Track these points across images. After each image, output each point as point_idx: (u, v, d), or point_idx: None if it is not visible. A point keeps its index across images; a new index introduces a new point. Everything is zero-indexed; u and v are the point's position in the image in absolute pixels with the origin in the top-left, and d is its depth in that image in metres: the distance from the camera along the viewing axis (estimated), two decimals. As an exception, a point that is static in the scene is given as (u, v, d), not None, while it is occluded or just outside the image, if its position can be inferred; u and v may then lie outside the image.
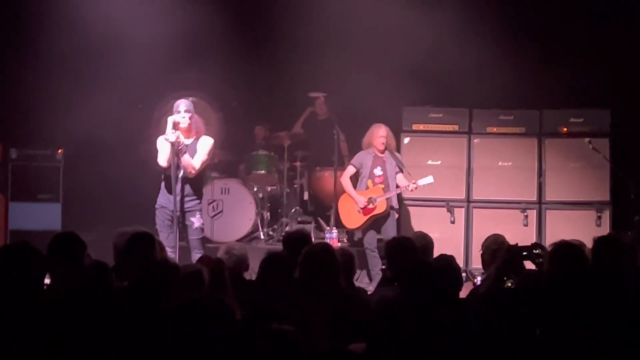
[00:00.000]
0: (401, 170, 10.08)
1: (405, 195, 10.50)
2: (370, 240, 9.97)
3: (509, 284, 5.48)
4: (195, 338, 4.09)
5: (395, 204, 10.08)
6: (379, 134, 10.06)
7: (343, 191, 11.07)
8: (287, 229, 11.02)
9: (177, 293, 4.84)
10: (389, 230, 9.91)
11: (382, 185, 10.01)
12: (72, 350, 4.32)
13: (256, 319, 4.65)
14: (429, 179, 9.95)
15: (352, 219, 10.17)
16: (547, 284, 4.91)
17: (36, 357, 4.12)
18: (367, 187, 10.07)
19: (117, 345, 4.43)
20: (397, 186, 10.01)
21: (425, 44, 10.87)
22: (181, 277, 5.15)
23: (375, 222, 10.02)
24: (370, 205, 9.96)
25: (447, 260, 5.21)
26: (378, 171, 10.05)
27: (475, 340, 4.14)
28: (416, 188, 9.99)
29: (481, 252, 6.59)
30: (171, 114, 8.39)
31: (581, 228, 10.50)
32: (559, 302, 4.74)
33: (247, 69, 11.86)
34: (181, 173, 8.27)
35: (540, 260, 5.77)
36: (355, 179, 10.24)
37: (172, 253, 8.06)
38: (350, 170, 10.21)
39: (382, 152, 10.07)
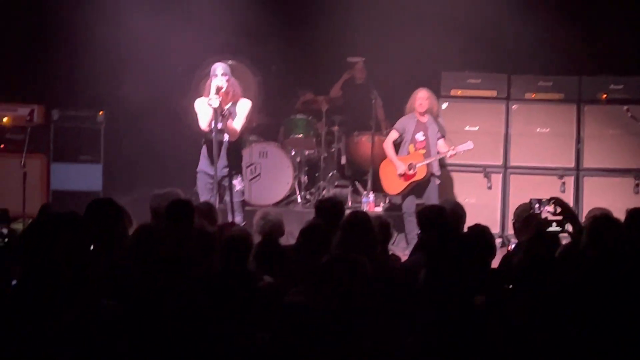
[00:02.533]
0: (443, 136, 10.06)
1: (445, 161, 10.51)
2: (409, 205, 9.99)
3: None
4: (227, 306, 4.19)
5: (436, 170, 10.07)
6: (419, 96, 10.03)
7: (380, 156, 11.12)
8: (324, 193, 11.09)
9: (213, 260, 4.94)
10: (430, 197, 9.91)
11: (424, 151, 9.99)
12: (116, 315, 4.42)
13: (286, 288, 4.71)
14: (469, 145, 9.94)
15: (393, 184, 10.19)
16: (585, 259, 4.93)
17: (83, 323, 4.22)
18: (409, 153, 10.07)
19: (156, 311, 4.53)
20: (438, 152, 10.00)
21: (464, 8, 10.84)
22: (226, 240, 5.24)
23: (416, 188, 10.04)
24: (411, 171, 9.97)
25: (480, 230, 5.25)
26: (420, 136, 10.04)
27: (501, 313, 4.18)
28: (455, 154, 9.98)
29: (513, 220, 6.60)
30: (209, 77, 8.46)
31: (619, 195, 10.49)
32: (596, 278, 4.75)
33: (286, 32, 11.89)
34: (226, 138, 8.35)
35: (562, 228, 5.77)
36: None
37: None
38: (393, 135, 10.20)
39: (424, 116, 10.05)
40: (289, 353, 3.73)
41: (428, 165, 9.94)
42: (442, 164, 10.41)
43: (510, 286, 4.74)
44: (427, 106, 10.00)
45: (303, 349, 3.70)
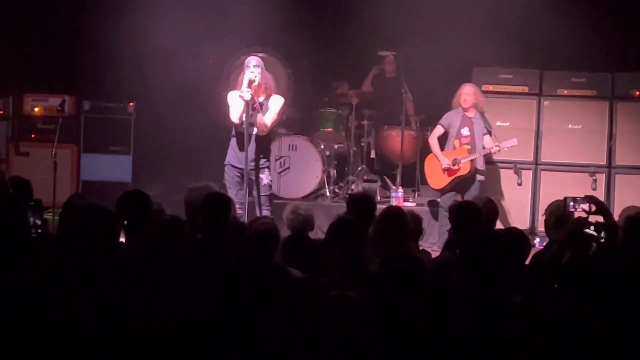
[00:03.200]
0: (489, 132, 9.99)
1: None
2: (447, 200, 9.92)
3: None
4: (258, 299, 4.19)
5: (480, 165, 10.00)
6: (464, 91, 9.97)
7: (409, 150, 11.13)
8: (353, 187, 11.07)
9: (244, 252, 4.94)
10: (472, 193, 9.79)
11: (468, 147, 9.93)
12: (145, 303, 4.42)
13: (316, 281, 4.70)
14: (513, 142, 9.86)
15: (437, 179, 10.13)
16: (621, 258, 4.89)
17: (113, 311, 4.23)
18: (454, 148, 10.02)
19: (187, 300, 4.53)
20: (483, 147, 9.94)
21: (497, 3, 10.76)
22: (253, 235, 5.24)
23: (460, 184, 9.99)
24: (455, 166, 9.92)
25: (518, 234, 5.22)
26: (465, 131, 9.98)
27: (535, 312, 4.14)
28: (500, 150, 9.92)
29: (545, 217, 6.55)
30: (241, 70, 8.47)
31: (651, 193, 10.41)
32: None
33: (318, 25, 11.88)
34: (255, 131, 8.36)
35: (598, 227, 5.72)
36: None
37: (240, 210, 8.17)
38: (438, 130, 10.14)
39: (469, 111, 9.99)
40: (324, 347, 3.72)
41: (472, 160, 9.88)
42: (488, 160, 10.33)
43: (555, 285, 4.68)
44: (472, 102, 9.93)
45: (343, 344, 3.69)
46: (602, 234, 5.56)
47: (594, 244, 5.39)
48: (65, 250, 4.66)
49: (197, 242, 5.54)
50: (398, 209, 5.89)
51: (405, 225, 5.58)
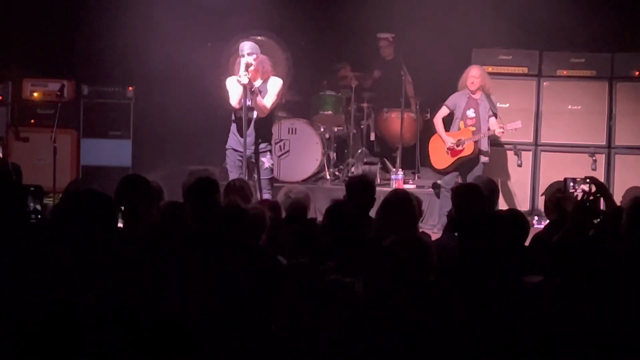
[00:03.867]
0: (495, 114, 9.98)
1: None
2: (449, 181, 9.93)
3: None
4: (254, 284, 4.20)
5: (484, 147, 10.00)
6: (471, 74, 9.96)
7: (409, 132, 11.13)
8: (353, 169, 11.08)
9: (239, 236, 4.94)
10: (475, 175, 9.70)
11: (473, 128, 9.93)
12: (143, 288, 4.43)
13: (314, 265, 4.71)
14: (517, 124, 9.87)
15: (441, 159, 10.13)
16: (625, 241, 4.89)
17: (112, 296, 4.24)
18: (459, 129, 10.02)
19: (185, 284, 4.54)
20: (488, 129, 9.93)
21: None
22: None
23: (463, 165, 9.98)
24: (459, 147, 9.92)
25: (516, 216, 5.23)
26: (471, 113, 9.96)
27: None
28: (504, 132, 9.92)
29: (545, 198, 6.54)
30: (238, 55, 8.46)
31: (651, 173, 10.41)
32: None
33: (316, 8, 11.84)
34: (254, 115, 8.36)
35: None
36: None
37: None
38: (444, 111, 10.12)
39: (476, 93, 9.98)
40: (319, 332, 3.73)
41: (476, 142, 9.88)
42: (492, 142, 10.31)
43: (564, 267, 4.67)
44: (479, 84, 9.92)
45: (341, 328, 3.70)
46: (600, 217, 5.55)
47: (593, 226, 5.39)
48: (61, 236, 4.67)
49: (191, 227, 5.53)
50: (405, 192, 5.90)
51: (412, 208, 5.59)
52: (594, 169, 10.56)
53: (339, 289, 3.60)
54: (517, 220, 5.17)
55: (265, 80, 8.44)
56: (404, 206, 5.59)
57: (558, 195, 6.16)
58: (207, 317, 4.28)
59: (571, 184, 5.97)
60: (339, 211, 5.16)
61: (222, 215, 5.14)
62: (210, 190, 5.91)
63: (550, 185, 6.58)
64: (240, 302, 4.37)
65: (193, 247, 4.92)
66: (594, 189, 5.72)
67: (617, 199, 6.96)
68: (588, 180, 5.90)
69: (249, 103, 8.27)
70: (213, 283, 4.54)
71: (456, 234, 5.52)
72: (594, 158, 10.69)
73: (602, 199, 5.97)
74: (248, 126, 8.31)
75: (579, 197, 5.43)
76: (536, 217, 10.30)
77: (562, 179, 6.26)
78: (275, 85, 8.47)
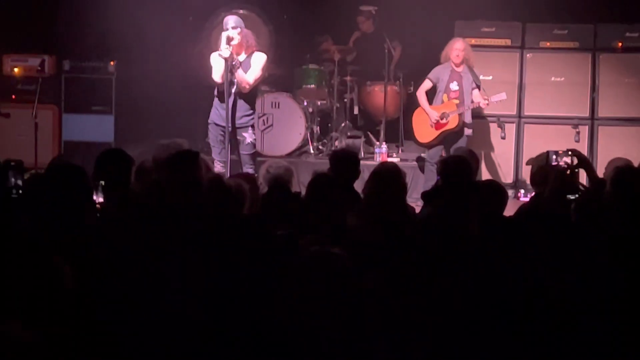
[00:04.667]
0: (478, 87, 9.97)
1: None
2: (433, 154, 9.92)
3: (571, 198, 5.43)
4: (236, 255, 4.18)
5: (468, 119, 9.99)
6: (455, 46, 9.94)
7: (393, 106, 11.12)
8: (336, 143, 11.05)
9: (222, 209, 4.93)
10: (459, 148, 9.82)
11: (457, 101, 9.91)
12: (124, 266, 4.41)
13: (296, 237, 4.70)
14: (502, 96, 9.86)
15: (425, 133, 10.11)
16: (610, 210, 4.90)
17: (91, 275, 4.21)
18: (442, 102, 10.00)
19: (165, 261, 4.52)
20: (472, 102, 9.92)
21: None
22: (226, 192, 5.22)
23: (447, 138, 9.97)
24: (443, 120, 9.91)
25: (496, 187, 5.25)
26: (454, 86, 9.95)
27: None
28: (488, 104, 9.92)
29: (531, 170, 6.55)
30: (221, 29, 8.42)
31: (634, 144, 10.44)
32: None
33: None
34: (234, 89, 8.34)
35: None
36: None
37: (223, 168, 8.18)
38: (427, 84, 10.10)
39: (459, 66, 9.96)
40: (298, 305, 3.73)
41: (460, 115, 9.86)
42: (476, 114, 10.30)
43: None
44: (463, 57, 9.91)
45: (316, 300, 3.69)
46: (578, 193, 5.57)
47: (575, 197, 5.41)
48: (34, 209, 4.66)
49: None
50: (393, 164, 5.93)
51: (401, 180, 5.61)
52: (577, 141, 10.60)
53: (324, 259, 3.58)
54: (493, 189, 5.19)
55: (249, 55, 8.41)
56: (393, 178, 5.61)
57: (542, 165, 6.18)
58: (187, 292, 4.26)
59: (554, 156, 5.99)
60: (321, 183, 5.15)
61: (206, 188, 5.12)
62: (194, 163, 5.88)
63: (535, 157, 6.60)
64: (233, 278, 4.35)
65: (175, 221, 4.90)
66: (576, 161, 5.75)
67: (601, 170, 7.00)
68: (570, 152, 5.92)
69: (230, 77, 8.24)
70: (199, 256, 4.52)
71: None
72: (577, 130, 10.72)
73: (584, 172, 6.00)
74: (230, 101, 8.28)
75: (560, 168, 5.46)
76: (522, 190, 10.34)
77: (545, 151, 6.29)
78: (259, 60, 8.44)
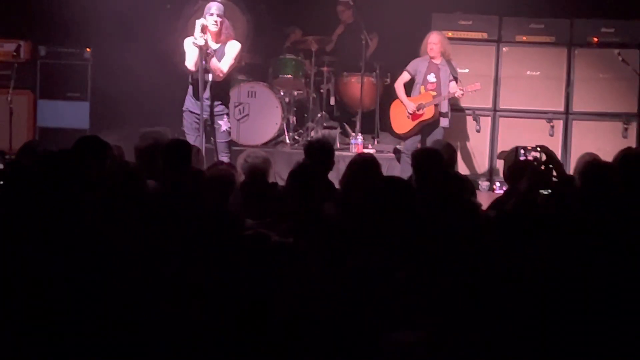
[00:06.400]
0: (455, 79, 10.00)
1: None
2: (410, 146, 9.93)
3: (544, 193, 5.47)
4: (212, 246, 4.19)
5: (444, 109, 9.99)
6: (430, 40, 9.97)
7: (369, 97, 11.13)
8: (312, 134, 11.06)
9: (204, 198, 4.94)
10: (435, 138, 9.74)
11: (434, 93, 9.93)
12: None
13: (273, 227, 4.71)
14: (477, 86, 9.88)
15: (402, 124, 10.13)
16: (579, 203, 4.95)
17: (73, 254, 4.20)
18: (420, 93, 10.03)
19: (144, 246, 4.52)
20: (448, 92, 9.95)
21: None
22: (210, 179, 5.24)
23: (424, 129, 9.99)
24: (419, 111, 9.94)
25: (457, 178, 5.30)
26: (431, 78, 9.97)
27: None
28: (463, 94, 9.95)
29: (505, 165, 6.59)
30: (200, 15, 8.40)
31: (608, 139, 10.51)
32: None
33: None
34: (209, 77, 8.33)
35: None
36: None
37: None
38: (405, 76, 10.11)
39: (436, 59, 9.99)
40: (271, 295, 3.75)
41: (437, 105, 9.89)
42: (453, 107, 10.32)
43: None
44: (439, 50, 9.93)
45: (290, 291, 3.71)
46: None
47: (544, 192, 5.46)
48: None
49: (155, 189, 5.50)
50: (371, 156, 5.97)
51: (378, 172, 5.65)
52: (552, 135, 10.66)
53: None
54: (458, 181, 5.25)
55: (223, 44, 8.39)
56: (371, 167, 5.64)
57: (517, 161, 6.22)
58: (171, 279, 4.26)
59: (522, 151, 6.03)
60: (303, 173, 5.17)
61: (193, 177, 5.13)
62: (186, 154, 5.90)
63: (506, 153, 6.63)
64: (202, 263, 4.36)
65: (159, 208, 4.90)
66: (544, 157, 5.79)
67: (575, 164, 7.04)
68: (538, 148, 5.96)
69: (205, 65, 8.23)
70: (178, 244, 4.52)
71: None
72: (551, 124, 10.78)
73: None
74: (204, 89, 8.27)
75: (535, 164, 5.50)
76: (498, 183, 10.40)
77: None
78: (233, 48, 8.43)
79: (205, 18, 8.26)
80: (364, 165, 5.72)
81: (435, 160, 6.11)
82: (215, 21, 8.26)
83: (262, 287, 3.85)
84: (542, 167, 5.56)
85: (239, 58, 8.64)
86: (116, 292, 4.08)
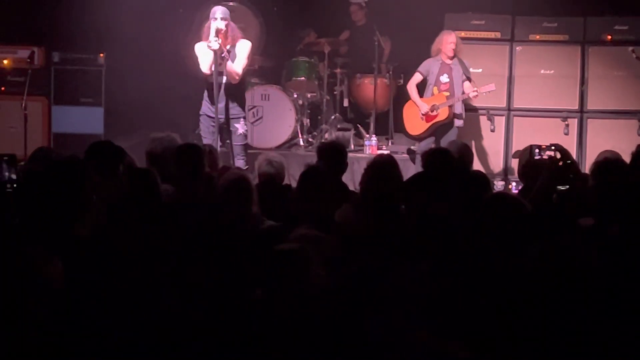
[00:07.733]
0: (468, 78, 9.99)
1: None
2: (424, 146, 9.87)
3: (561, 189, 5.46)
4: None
5: (458, 110, 10.00)
6: (449, 40, 9.96)
7: (383, 98, 11.12)
8: (326, 136, 11.06)
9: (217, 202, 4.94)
10: (449, 139, 9.69)
11: (447, 93, 9.93)
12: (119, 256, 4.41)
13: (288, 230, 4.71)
14: (491, 87, 9.88)
15: (415, 125, 10.13)
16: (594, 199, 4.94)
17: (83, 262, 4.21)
18: (433, 94, 10.02)
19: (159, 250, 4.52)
20: (462, 93, 9.93)
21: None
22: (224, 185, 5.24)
23: (438, 130, 9.99)
24: (433, 112, 9.92)
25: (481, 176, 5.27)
26: (444, 78, 9.97)
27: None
28: (477, 95, 9.93)
29: (520, 163, 6.57)
30: (209, 20, 8.41)
31: (623, 137, 10.45)
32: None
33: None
34: (224, 80, 8.33)
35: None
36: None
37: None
38: (417, 77, 10.11)
39: (450, 59, 9.98)
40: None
41: (450, 106, 9.88)
42: (467, 107, 10.30)
43: None
44: (457, 50, 9.96)
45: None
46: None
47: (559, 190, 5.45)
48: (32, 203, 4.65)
49: (169, 194, 5.51)
50: (390, 157, 5.95)
51: (397, 174, 5.63)
52: (567, 134, 10.63)
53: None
54: (477, 180, 5.23)
55: (233, 45, 8.39)
56: (391, 171, 5.62)
57: (528, 159, 6.20)
58: (185, 285, 4.27)
59: (536, 150, 6.01)
60: (313, 175, 5.16)
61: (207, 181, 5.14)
62: (199, 158, 5.91)
63: (523, 150, 6.61)
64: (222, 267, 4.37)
65: (173, 212, 4.91)
66: (559, 156, 5.77)
67: (590, 162, 7.01)
68: (553, 147, 5.93)
69: (220, 68, 8.24)
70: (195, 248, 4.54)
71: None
72: (566, 122, 10.74)
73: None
74: (218, 92, 8.28)
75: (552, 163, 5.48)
76: (514, 183, 10.36)
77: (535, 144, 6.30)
78: (244, 48, 8.42)
79: (211, 22, 8.27)
80: (384, 166, 5.69)
81: (446, 160, 6.09)
82: (221, 24, 8.25)
83: (266, 287, 3.87)
84: (561, 163, 5.53)
85: (250, 57, 8.63)
86: (133, 296, 4.09)
